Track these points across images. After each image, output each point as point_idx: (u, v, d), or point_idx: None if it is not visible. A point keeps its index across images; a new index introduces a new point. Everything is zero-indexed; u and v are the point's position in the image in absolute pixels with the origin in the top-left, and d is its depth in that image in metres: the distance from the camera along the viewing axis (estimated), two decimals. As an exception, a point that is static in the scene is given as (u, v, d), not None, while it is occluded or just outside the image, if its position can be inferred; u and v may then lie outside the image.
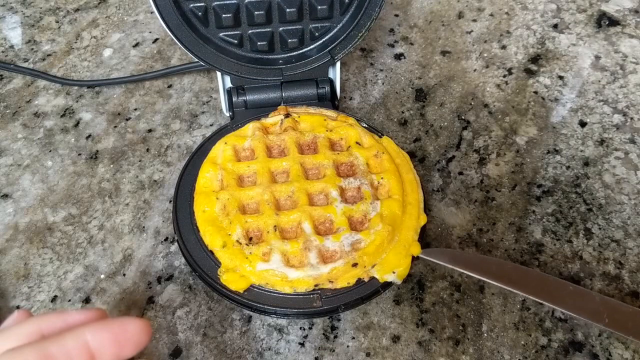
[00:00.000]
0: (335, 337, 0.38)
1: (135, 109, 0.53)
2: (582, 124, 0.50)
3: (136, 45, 0.59)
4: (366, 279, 0.37)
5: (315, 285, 0.36)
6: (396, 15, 0.60)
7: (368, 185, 0.40)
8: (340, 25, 0.45)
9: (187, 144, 0.50)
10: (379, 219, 0.38)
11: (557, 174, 0.47)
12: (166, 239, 0.43)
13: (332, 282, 0.36)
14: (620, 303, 0.34)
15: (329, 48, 0.45)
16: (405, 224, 0.39)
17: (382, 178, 0.41)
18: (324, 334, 0.39)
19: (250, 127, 0.44)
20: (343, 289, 0.37)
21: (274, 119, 0.44)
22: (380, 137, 0.45)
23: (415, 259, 0.38)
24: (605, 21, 0.58)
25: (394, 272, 0.37)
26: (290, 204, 0.39)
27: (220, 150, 0.42)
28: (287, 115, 0.44)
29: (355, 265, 0.36)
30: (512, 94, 0.53)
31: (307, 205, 0.39)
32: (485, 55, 0.56)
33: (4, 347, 0.24)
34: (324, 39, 0.46)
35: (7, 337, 0.24)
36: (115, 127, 0.51)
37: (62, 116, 0.52)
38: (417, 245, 0.38)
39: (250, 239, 0.38)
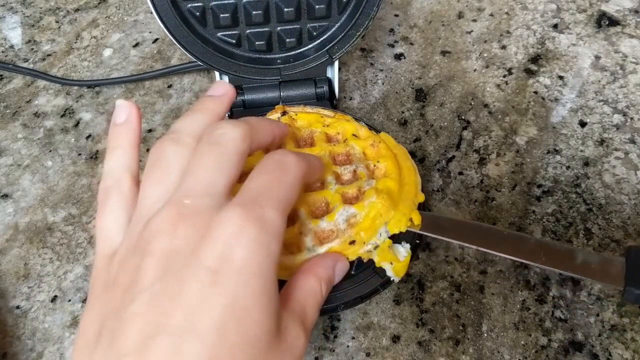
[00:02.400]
0: (335, 337, 0.38)
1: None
2: (582, 124, 0.50)
3: (136, 45, 0.59)
4: (365, 259, 0.36)
5: None
6: (396, 15, 0.60)
7: (364, 168, 0.39)
8: (338, 24, 0.45)
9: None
10: (373, 192, 0.37)
11: (557, 174, 0.47)
12: (165, 239, 0.43)
13: None
14: (555, 242, 0.37)
15: (327, 47, 0.45)
16: (403, 198, 0.38)
17: (378, 162, 0.40)
18: (323, 333, 0.39)
19: None
20: (342, 288, 0.37)
21: (271, 118, 0.44)
22: (377, 133, 0.45)
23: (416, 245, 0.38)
24: (605, 21, 0.58)
25: (391, 263, 0.37)
26: None
27: None
28: (284, 114, 0.44)
29: (352, 242, 0.35)
30: (512, 94, 0.53)
31: (302, 192, 0.38)
32: (485, 55, 0.56)
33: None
34: (321, 39, 0.46)
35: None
36: (114, 127, 0.51)
37: (62, 116, 0.52)
38: (417, 212, 0.37)
39: None
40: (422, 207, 0.40)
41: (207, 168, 0.26)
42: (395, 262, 0.37)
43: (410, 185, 0.39)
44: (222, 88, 0.33)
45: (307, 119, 0.44)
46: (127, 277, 0.24)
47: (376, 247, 0.36)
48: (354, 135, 0.42)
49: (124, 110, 0.32)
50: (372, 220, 0.36)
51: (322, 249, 0.35)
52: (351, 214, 0.36)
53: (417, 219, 0.36)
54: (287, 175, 0.28)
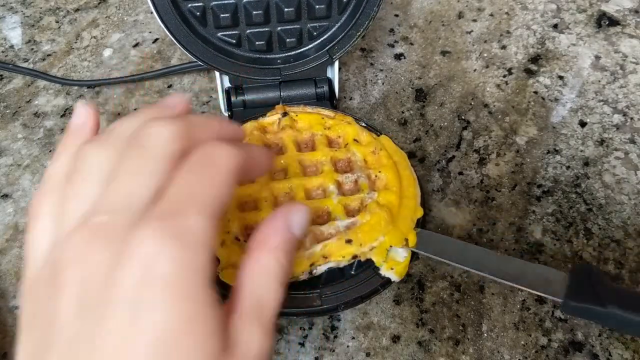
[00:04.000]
0: (335, 337, 0.38)
1: (135, 109, 0.53)
2: (582, 124, 0.50)
3: (136, 45, 0.59)
4: (362, 259, 0.36)
5: (311, 265, 0.36)
6: (396, 15, 0.60)
7: (365, 178, 0.40)
8: (339, 24, 0.45)
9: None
10: (375, 205, 0.38)
11: (557, 174, 0.47)
12: (165, 239, 0.43)
13: (326, 257, 0.35)
14: (509, 258, 0.38)
15: (327, 47, 0.45)
16: (402, 214, 0.39)
17: (379, 172, 0.40)
18: (323, 334, 0.38)
19: (248, 127, 0.44)
20: (343, 288, 0.37)
21: (271, 119, 0.44)
22: (378, 135, 0.45)
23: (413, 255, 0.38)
24: (605, 21, 0.58)
25: (392, 269, 0.37)
26: (288, 200, 0.39)
27: None
28: (285, 114, 0.44)
29: (349, 241, 0.36)
30: (512, 94, 0.53)
31: (304, 199, 0.39)
32: (485, 55, 0.56)
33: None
34: (322, 39, 0.46)
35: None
36: (114, 127, 0.51)
37: (62, 116, 0.52)
38: (414, 233, 0.38)
39: (249, 234, 0.38)
40: (422, 207, 0.41)
41: (128, 176, 0.23)
42: (395, 266, 0.37)
43: (409, 199, 0.39)
44: (177, 99, 0.29)
45: (308, 120, 0.44)
46: (45, 314, 0.22)
47: (372, 248, 0.36)
48: (355, 140, 0.42)
49: (82, 115, 0.29)
50: (371, 227, 0.36)
51: (319, 246, 0.35)
52: (352, 221, 0.37)
53: (412, 240, 0.37)
54: (216, 171, 0.24)
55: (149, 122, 0.25)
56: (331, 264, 0.36)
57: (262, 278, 0.25)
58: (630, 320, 0.31)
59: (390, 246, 0.37)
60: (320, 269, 0.36)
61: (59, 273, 0.22)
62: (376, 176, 0.40)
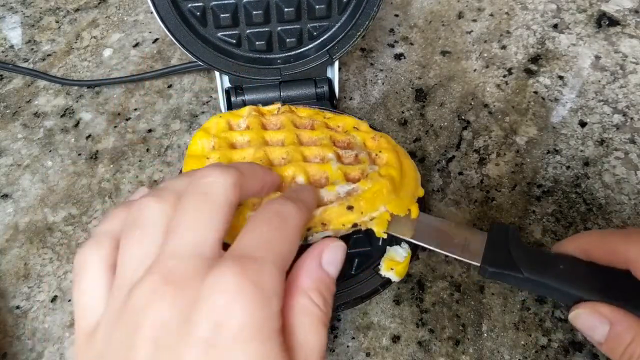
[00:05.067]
0: (335, 337, 0.38)
1: (135, 109, 0.53)
2: (582, 124, 0.50)
3: (136, 45, 0.59)
4: (363, 228, 0.34)
5: (308, 230, 0.33)
6: (396, 15, 0.60)
7: (366, 154, 0.38)
8: (339, 24, 0.45)
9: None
10: (377, 175, 0.36)
11: (557, 174, 0.47)
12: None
13: (325, 224, 0.33)
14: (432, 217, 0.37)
15: (327, 47, 0.45)
16: (404, 187, 0.37)
17: (380, 151, 0.39)
18: (323, 334, 0.38)
19: (246, 109, 0.42)
20: (343, 288, 0.37)
21: (270, 107, 0.43)
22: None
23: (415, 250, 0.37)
24: (605, 21, 0.58)
25: (392, 269, 0.37)
26: (285, 164, 0.37)
27: (214, 123, 0.41)
28: (284, 104, 0.43)
29: (350, 208, 0.33)
30: (512, 94, 0.53)
31: (302, 161, 0.36)
32: (485, 55, 0.56)
33: None
34: (322, 39, 0.46)
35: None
36: (115, 127, 0.51)
37: (62, 116, 0.52)
38: (416, 204, 0.36)
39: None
40: (421, 205, 0.40)
41: (193, 223, 0.24)
42: (395, 266, 0.37)
43: (410, 179, 0.38)
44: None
45: (308, 111, 0.43)
46: (117, 356, 0.22)
47: (373, 218, 0.34)
48: (355, 128, 0.41)
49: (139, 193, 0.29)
50: (374, 194, 0.34)
51: (318, 211, 0.33)
52: (353, 188, 0.35)
53: (415, 211, 0.36)
54: (286, 227, 0.25)
55: (205, 171, 0.26)
56: (329, 233, 0.33)
57: (301, 321, 0.25)
58: (546, 284, 0.31)
59: (392, 245, 0.37)
60: (316, 236, 0.33)
61: (134, 314, 0.22)
62: (377, 155, 0.39)
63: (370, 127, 0.45)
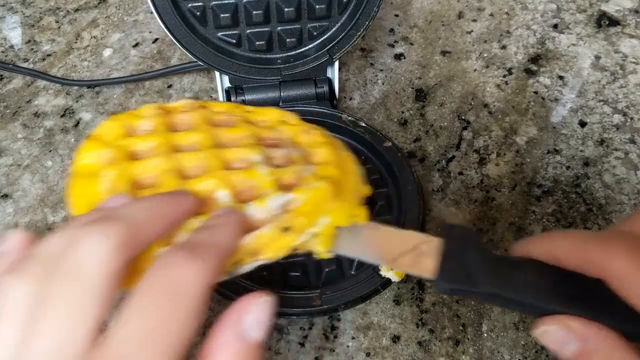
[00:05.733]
0: (335, 337, 0.38)
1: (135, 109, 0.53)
2: (582, 124, 0.50)
3: (136, 45, 0.59)
4: (302, 252, 0.29)
5: (235, 264, 0.27)
6: (396, 15, 0.60)
7: (299, 152, 0.32)
8: (339, 24, 0.45)
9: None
10: (314, 178, 0.30)
11: (557, 174, 0.47)
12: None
13: (255, 254, 0.28)
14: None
15: (327, 47, 0.45)
16: (346, 188, 0.32)
17: (314, 147, 0.33)
18: (323, 334, 0.38)
19: (147, 107, 0.34)
20: (343, 288, 0.37)
21: (177, 103, 0.35)
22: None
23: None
24: (605, 21, 0.58)
25: (392, 269, 0.36)
26: (200, 174, 0.29)
27: (108, 128, 0.32)
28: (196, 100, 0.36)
29: (287, 229, 0.28)
30: (512, 94, 0.53)
31: (222, 169, 0.30)
32: (485, 55, 0.56)
33: None
34: (322, 39, 0.46)
35: None
36: (114, 127, 0.51)
37: (62, 116, 0.52)
38: (364, 208, 0.31)
39: None
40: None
41: (59, 314, 0.19)
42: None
43: (351, 175, 0.33)
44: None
45: (224, 106, 0.36)
46: None
47: (315, 236, 0.29)
48: (282, 121, 0.35)
49: (11, 242, 0.23)
50: (314, 206, 0.29)
51: (246, 239, 0.27)
52: (289, 199, 0.29)
53: (362, 215, 0.31)
54: (180, 306, 0.19)
55: (76, 235, 0.20)
56: (263, 262, 0.28)
57: None
58: (510, 299, 0.26)
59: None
60: (247, 267, 0.28)
61: None
62: (311, 152, 0.33)
63: (370, 127, 0.45)
